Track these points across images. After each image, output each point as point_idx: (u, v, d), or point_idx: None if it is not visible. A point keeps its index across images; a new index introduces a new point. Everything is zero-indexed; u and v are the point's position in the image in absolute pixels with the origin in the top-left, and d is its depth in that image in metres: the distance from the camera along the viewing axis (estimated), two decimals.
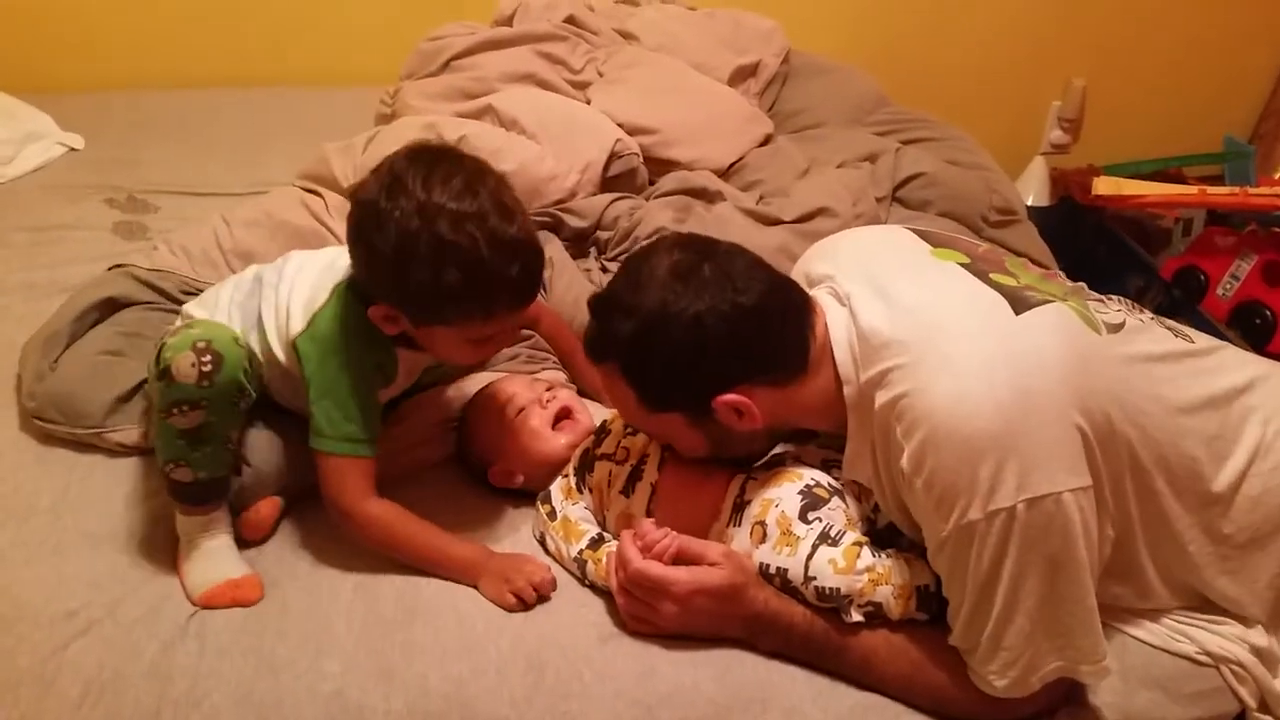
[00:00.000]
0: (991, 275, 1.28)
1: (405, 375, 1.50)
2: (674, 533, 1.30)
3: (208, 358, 1.32)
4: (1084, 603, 1.18)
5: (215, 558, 1.38)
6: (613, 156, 2.07)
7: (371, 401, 1.40)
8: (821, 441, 1.45)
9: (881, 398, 1.20)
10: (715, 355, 1.24)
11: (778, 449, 1.46)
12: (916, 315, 1.23)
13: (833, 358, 1.28)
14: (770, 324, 1.26)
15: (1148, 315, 1.37)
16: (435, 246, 1.26)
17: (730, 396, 1.25)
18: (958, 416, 1.13)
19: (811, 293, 1.37)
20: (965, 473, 1.13)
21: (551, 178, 1.97)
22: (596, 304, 1.32)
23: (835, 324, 1.29)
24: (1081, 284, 1.41)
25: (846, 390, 1.27)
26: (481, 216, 1.27)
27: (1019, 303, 1.22)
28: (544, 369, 1.74)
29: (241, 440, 1.46)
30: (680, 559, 1.29)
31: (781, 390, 1.28)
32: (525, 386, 1.59)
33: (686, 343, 1.23)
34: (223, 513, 1.42)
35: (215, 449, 1.38)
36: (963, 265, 1.31)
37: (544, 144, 2.01)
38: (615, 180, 2.08)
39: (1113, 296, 1.39)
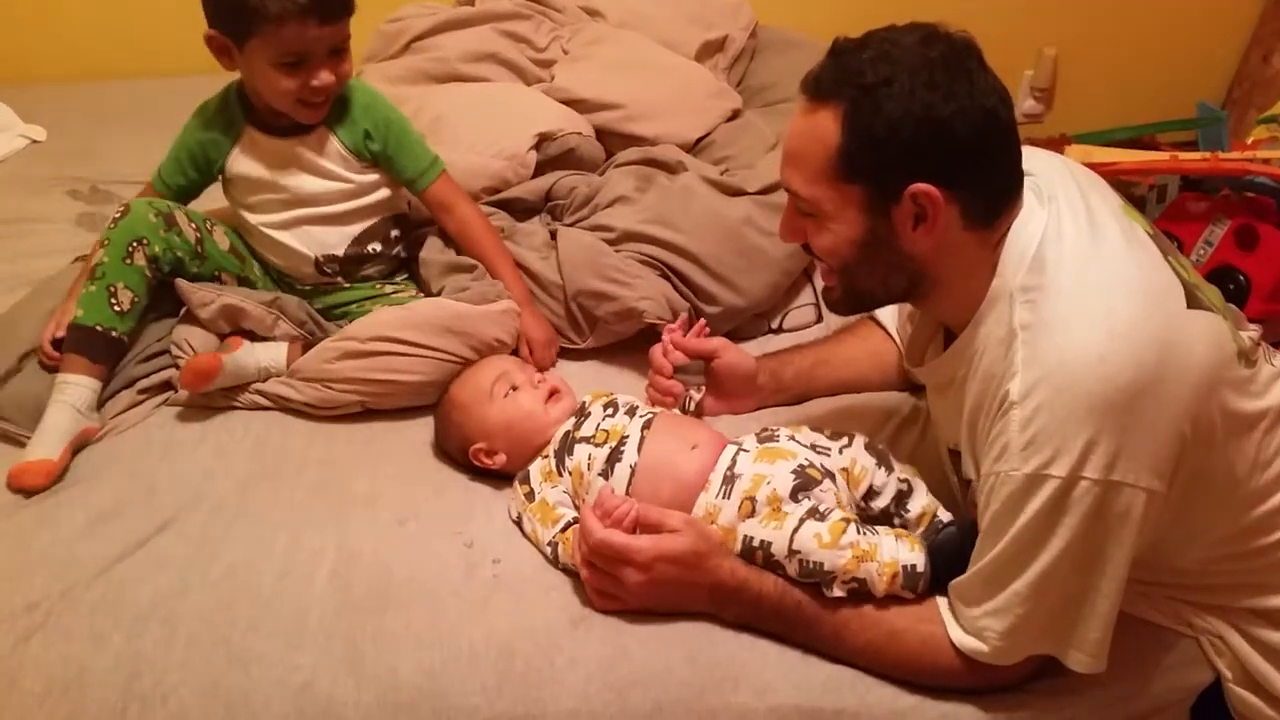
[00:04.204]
0: (1169, 258, 1.23)
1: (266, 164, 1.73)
2: (634, 500, 1.29)
3: (120, 210, 1.64)
4: (1111, 599, 1.17)
5: (43, 434, 1.51)
6: (543, 140, 2.06)
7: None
8: (814, 425, 1.45)
9: (1021, 314, 1.16)
10: (948, 142, 1.14)
11: (771, 426, 1.46)
12: (1101, 254, 1.18)
13: (1005, 245, 1.21)
14: (1006, 153, 1.19)
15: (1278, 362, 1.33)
16: None
17: (932, 187, 1.14)
18: (1092, 373, 1.09)
19: None
20: (1070, 428, 1.09)
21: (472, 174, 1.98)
22: (846, 41, 1.20)
23: (1030, 219, 1.21)
24: (1232, 306, 1.36)
25: (995, 282, 1.20)
26: None
27: (1191, 298, 1.18)
28: (501, 298, 1.73)
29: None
30: (641, 527, 1.28)
31: (963, 229, 1.19)
32: (515, 365, 1.60)
33: (930, 115, 1.12)
34: (77, 390, 1.56)
35: (97, 293, 1.59)
36: (1149, 234, 1.25)
37: (463, 137, 2.01)
38: (557, 161, 2.08)
39: (1252, 326, 1.34)
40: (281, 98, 1.62)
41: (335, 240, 1.77)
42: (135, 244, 1.61)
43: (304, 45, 1.56)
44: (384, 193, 1.81)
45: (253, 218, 1.76)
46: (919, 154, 1.14)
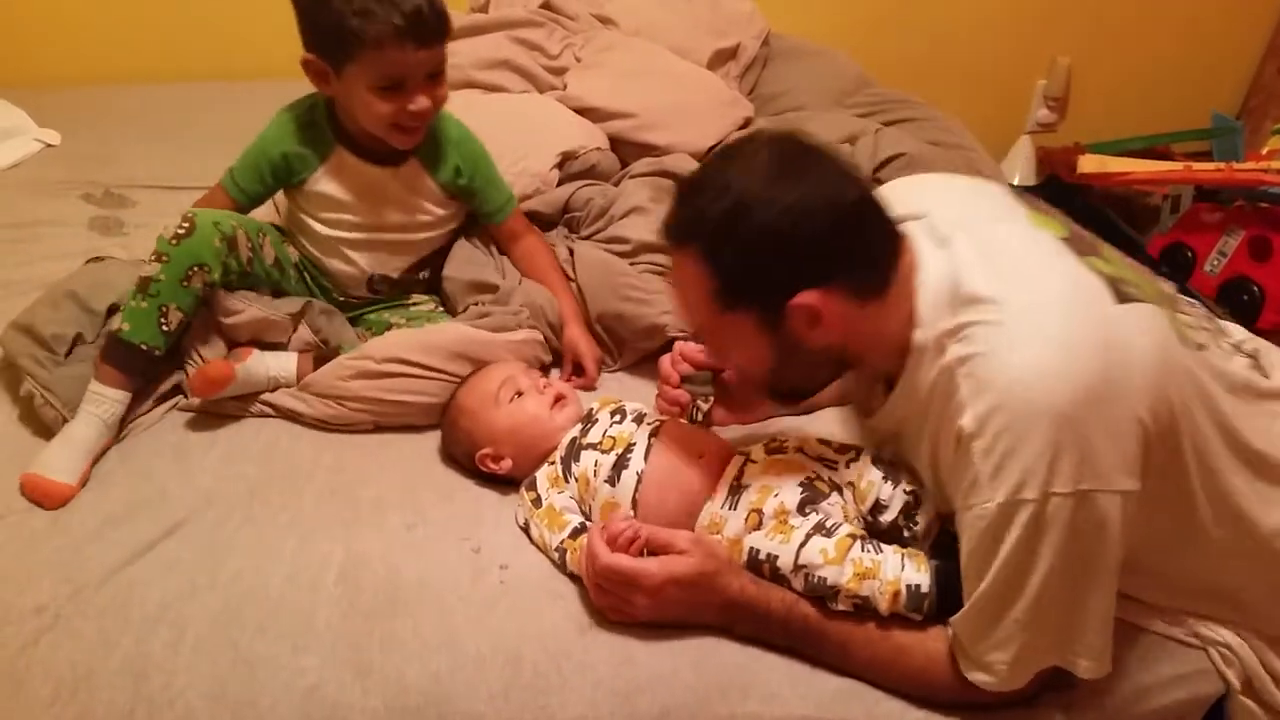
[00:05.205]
0: (1089, 258, 1.23)
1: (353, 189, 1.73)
2: (640, 524, 1.29)
3: (185, 225, 1.56)
4: (1105, 602, 1.17)
5: (69, 448, 1.49)
6: (565, 159, 2.07)
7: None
8: (822, 437, 1.44)
9: (955, 351, 1.16)
10: (805, 245, 1.17)
11: (779, 437, 1.45)
12: (1017, 277, 1.18)
13: (913, 295, 1.22)
14: (866, 227, 1.21)
15: (1234, 338, 1.34)
16: None
17: (809, 297, 1.17)
18: (1036, 388, 1.09)
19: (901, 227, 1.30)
20: (1032, 447, 1.09)
21: None
22: (685, 184, 1.26)
23: (928, 263, 1.23)
24: (1171, 285, 1.36)
25: (918, 332, 1.21)
26: None
27: (1120, 292, 1.19)
28: (521, 328, 1.73)
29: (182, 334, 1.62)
30: (649, 549, 1.28)
31: (859, 307, 1.21)
32: (521, 371, 1.60)
33: (781, 227, 1.16)
34: (111, 406, 1.53)
35: (148, 310, 1.54)
36: (1063, 239, 1.26)
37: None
38: (575, 174, 2.09)
39: (1195, 304, 1.36)
40: (377, 122, 1.62)
41: (396, 264, 1.81)
42: (196, 268, 1.57)
43: (401, 69, 1.56)
44: (453, 225, 1.85)
45: (321, 229, 1.76)
46: (783, 269, 1.18)
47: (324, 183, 1.72)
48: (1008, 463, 1.10)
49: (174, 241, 1.56)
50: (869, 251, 1.21)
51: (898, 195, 1.32)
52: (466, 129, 1.80)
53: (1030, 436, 1.09)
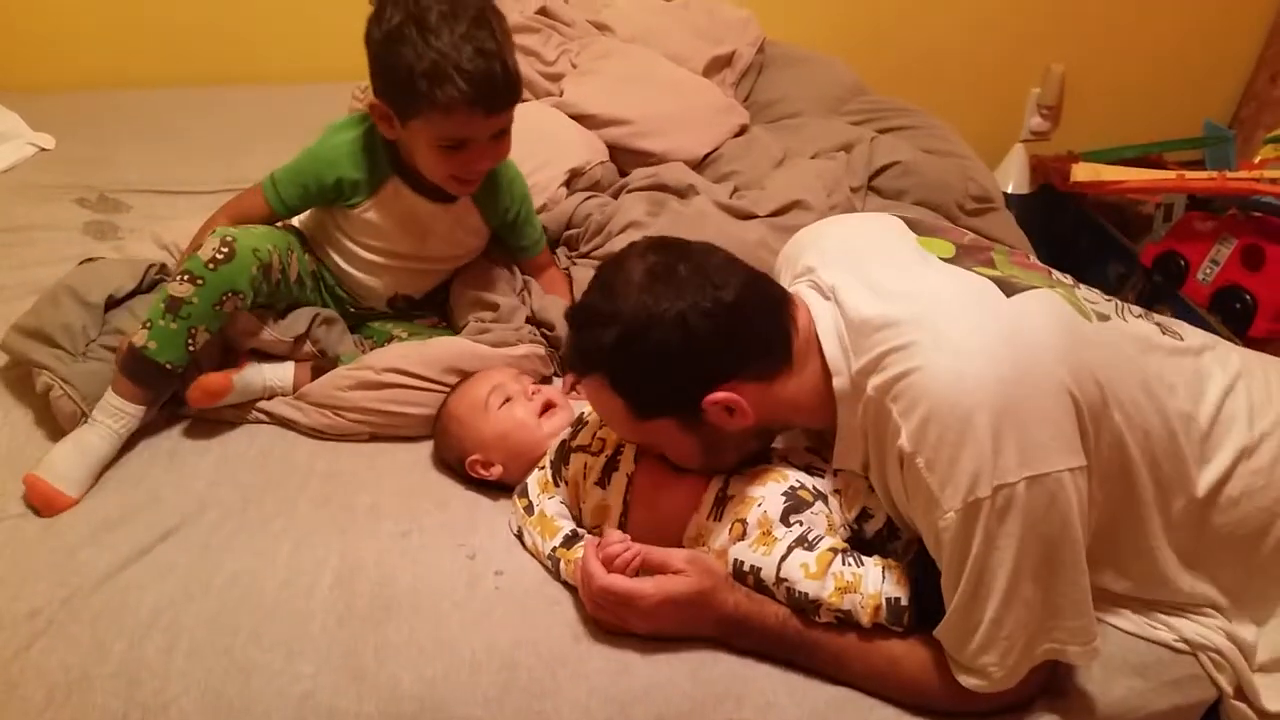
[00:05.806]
0: (975, 269, 1.27)
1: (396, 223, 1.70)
2: (635, 544, 1.29)
3: (225, 250, 1.52)
4: (1079, 584, 1.18)
5: (80, 457, 1.48)
6: (573, 176, 2.07)
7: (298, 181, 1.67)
8: (809, 445, 1.45)
9: (875, 381, 1.19)
10: (700, 352, 1.22)
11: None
12: (907, 299, 1.22)
13: (820, 351, 1.27)
14: (752, 317, 1.25)
15: (1136, 311, 1.36)
16: (408, 29, 1.45)
17: (719, 394, 1.23)
18: (960, 392, 1.13)
19: (791, 287, 1.36)
20: (970, 449, 1.12)
21: None
22: (574, 316, 1.31)
23: (821, 316, 1.28)
24: (1069, 277, 1.39)
25: (837, 381, 1.25)
26: (454, 16, 1.46)
27: (1008, 287, 1.23)
28: (522, 343, 1.73)
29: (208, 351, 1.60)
30: (645, 568, 1.28)
31: (768, 385, 1.26)
32: (511, 378, 1.60)
33: (670, 343, 1.21)
34: (130, 421, 1.53)
35: (178, 331, 1.52)
36: (946, 259, 1.30)
37: None
38: (579, 188, 2.08)
39: (1095, 290, 1.38)
40: (436, 172, 1.61)
41: (421, 286, 1.82)
42: (231, 295, 1.54)
43: (468, 132, 1.53)
44: (480, 251, 1.85)
45: (357, 250, 1.74)
46: (685, 378, 1.24)
47: (372, 211, 1.69)
48: (954, 469, 1.13)
49: (211, 266, 1.52)
50: (762, 338, 1.27)
51: (799, 248, 1.43)
52: (517, 168, 1.78)
53: (967, 439, 1.12)
